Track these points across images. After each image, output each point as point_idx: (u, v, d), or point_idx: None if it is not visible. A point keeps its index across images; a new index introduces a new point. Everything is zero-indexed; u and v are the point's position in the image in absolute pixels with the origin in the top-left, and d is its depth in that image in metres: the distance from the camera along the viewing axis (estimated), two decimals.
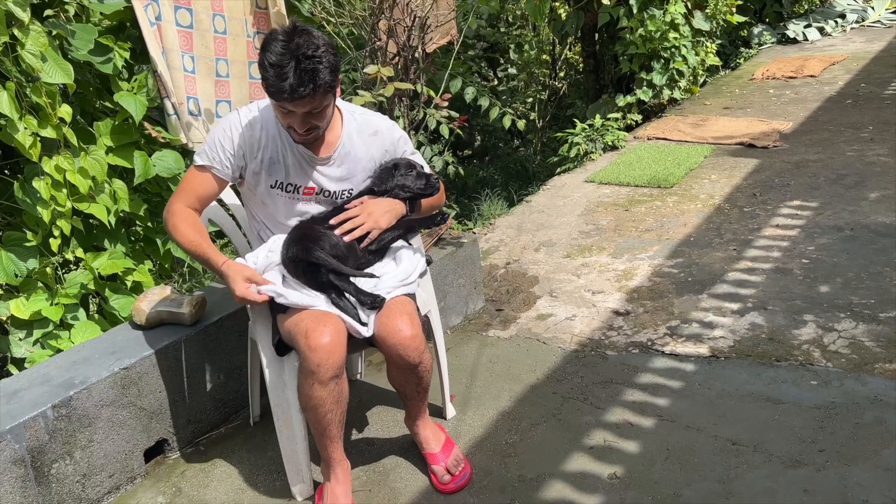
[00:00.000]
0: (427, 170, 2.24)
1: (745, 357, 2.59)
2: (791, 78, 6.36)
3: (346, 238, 2.05)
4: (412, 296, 2.14)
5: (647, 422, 2.32)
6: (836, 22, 8.17)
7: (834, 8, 8.45)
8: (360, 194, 2.16)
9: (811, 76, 6.32)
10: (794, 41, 7.82)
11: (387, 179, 2.14)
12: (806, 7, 8.47)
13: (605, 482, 2.10)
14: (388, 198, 2.13)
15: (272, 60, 1.86)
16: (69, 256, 2.66)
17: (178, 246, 2.11)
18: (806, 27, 7.96)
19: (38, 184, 2.45)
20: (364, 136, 2.16)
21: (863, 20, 8.29)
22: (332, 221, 2.06)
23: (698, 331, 2.78)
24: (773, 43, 7.87)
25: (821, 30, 8.01)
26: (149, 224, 2.97)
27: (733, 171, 4.39)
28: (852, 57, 6.83)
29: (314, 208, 2.15)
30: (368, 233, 2.07)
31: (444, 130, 3.52)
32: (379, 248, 2.13)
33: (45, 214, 2.47)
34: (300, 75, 1.85)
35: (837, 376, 2.42)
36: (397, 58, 3.33)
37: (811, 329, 2.70)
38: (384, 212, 2.10)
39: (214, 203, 2.40)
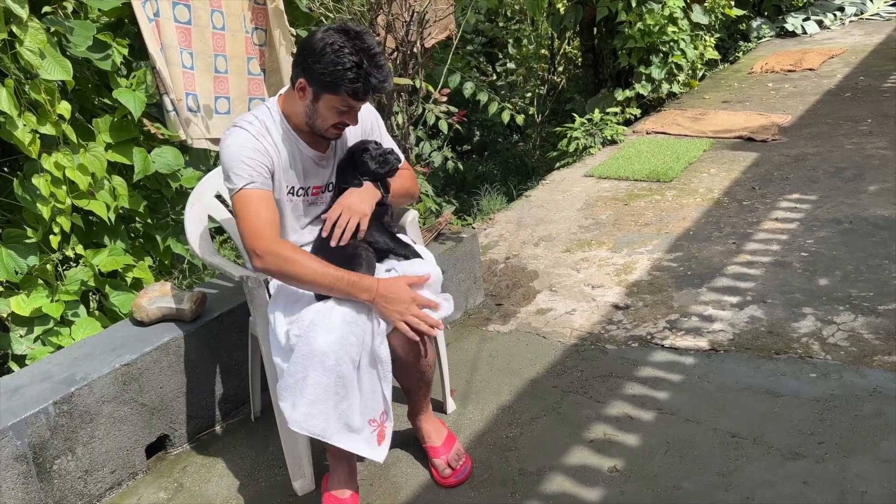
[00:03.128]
0: (387, 145, 2.19)
1: (745, 350, 2.60)
2: (790, 71, 6.35)
3: (343, 241, 2.01)
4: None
5: (646, 415, 2.33)
6: (834, 15, 8.16)
7: (832, 1, 8.43)
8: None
9: (810, 69, 6.31)
10: (793, 34, 7.81)
11: (348, 174, 2.11)
12: (804, 0, 8.46)
13: (605, 475, 2.10)
14: (355, 188, 2.10)
15: (354, 60, 1.83)
16: (69, 253, 2.66)
17: (300, 282, 1.91)
18: (805, 20, 7.95)
19: (37, 181, 2.44)
20: None
21: (861, 13, 8.28)
22: (324, 234, 2.04)
23: (698, 324, 2.79)
24: (771, 36, 7.86)
25: (819, 23, 8.00)
26: (148, 220, 2.97)
27: (732, 164, 4.39)
28: (851, 50, 6.81)
29: (318, 209, 2.16)
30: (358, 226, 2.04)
31: (443, 125, 3.53)
32: (379, 249, 2.10)
33: (45, 211, 2.47)
34: (381, 72, 1.87)
35: (836, 369, 2.42)
36: (396, 53, 3.33)
37: (810, 322, 2.70)
38: (360, 200, 2.06)
39: (214, 199, 2.41)
